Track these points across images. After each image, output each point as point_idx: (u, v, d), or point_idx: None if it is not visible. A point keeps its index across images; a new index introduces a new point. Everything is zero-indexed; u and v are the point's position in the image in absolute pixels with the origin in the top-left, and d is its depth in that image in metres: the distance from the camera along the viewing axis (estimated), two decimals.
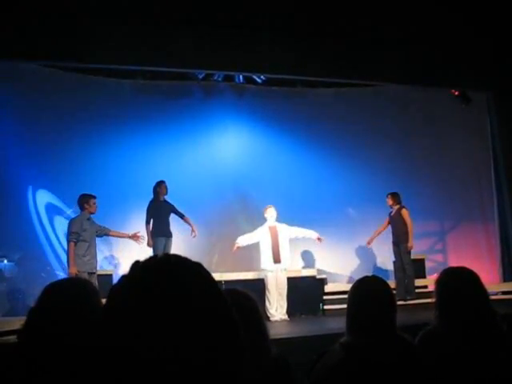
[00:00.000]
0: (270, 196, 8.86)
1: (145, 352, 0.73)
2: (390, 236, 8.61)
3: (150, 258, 0.84)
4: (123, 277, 0.83)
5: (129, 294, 0.79)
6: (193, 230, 8.26)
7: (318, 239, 8.27)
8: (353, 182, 9.98)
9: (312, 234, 8.23)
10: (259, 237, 8.03)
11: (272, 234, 7.98)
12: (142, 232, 7.89)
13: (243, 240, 8.09)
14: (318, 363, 2.05)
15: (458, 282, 2.42)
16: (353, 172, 10.06)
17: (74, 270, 6.65)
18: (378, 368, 1.95)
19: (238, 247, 8.07)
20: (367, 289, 2.20)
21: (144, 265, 0.83)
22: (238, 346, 0.80)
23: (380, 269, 9.95)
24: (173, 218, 8.17)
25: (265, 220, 8.11)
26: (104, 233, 7.27)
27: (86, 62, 8.30)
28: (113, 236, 7.52)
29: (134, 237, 7.51)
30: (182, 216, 8.25)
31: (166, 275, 0.80)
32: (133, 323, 0.75)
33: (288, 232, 8.08)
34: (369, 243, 8.97)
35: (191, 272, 0.83)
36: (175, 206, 8.21)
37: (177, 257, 0.85)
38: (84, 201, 7.01)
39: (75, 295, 1.63)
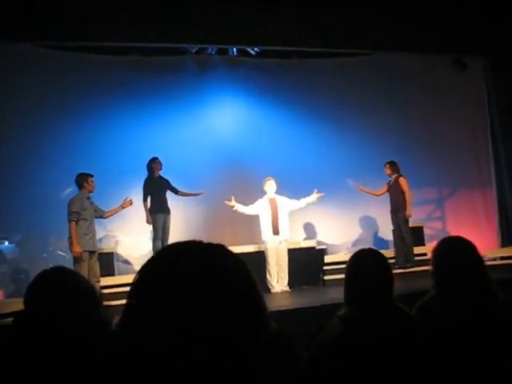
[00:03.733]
0: (269, 168, 8.82)
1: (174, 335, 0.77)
2: (389, 205, 8.62)
3: (176, 244, 0.89)
4: (150, 264, 0.87)
5: (161, 282, 0.82)
6: (196, 194, 8.33)
7: (319, 195, 8.14)
8: (351, 152, 9.93)
9: (311, 197, 8.14)
10: (258, 209, 8.03)
11: (272, 207, 7.97)
12: (140, 208, 7.91)
13: (240, 207, 8.06)
14: (317, 337, 2.08)
15: (454, 252, 2.45)
16: (351, 142, 10.02)
17: (78, 249, 6.58)
18: (376, 340, 1.98)
19: (232, 206, 8.02)
20: (363, 261, 2.23)
21: (171, 250, 0.88)
22: (258, 325, 0.84)
23: (380, 238, 10.02)
24: (169, 193, 8.17)
25: (264, 193, 8.12)
26: (100, 215, 7.15)
27: (80, 40, 8.24)
28: (109, 216, 7.33)
29: (125, 205, 7.32)
30: (176, 192, 8.22)
31: (195, 261, 0.84)
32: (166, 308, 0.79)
33: (288, 204, 8.07)
34: (360, 187, 8.81)
35: (217, 257, 0.87)
36: (170, 181, 8.19)
37: (201, 243, 0.89)
38: (83, 179, 6.90)
39: (62, 283, 1.66)
